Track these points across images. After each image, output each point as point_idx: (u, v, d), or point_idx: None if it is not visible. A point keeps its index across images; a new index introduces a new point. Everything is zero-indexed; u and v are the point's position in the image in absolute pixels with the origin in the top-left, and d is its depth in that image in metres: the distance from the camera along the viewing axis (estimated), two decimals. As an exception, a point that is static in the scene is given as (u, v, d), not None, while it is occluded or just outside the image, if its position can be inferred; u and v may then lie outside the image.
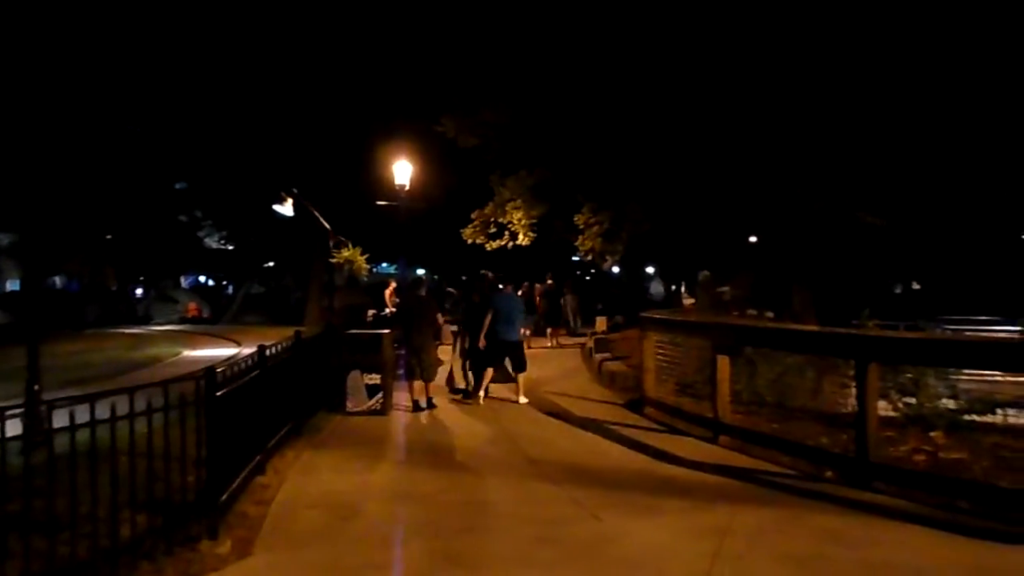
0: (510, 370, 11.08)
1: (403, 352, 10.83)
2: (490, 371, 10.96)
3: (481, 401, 10.75)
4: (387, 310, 16.15)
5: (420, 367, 10.22)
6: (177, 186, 35.97)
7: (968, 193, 15.57)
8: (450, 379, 11.79)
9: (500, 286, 11.37)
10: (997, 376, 7.30)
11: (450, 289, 23.73)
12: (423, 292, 11.32)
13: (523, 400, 10.70)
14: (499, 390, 11.25)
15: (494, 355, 10.94)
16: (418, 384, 10.26)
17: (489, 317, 10.70)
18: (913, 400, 7.60)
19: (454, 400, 11.06)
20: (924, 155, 13.51)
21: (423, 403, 10.20)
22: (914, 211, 15.78)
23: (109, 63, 20.92)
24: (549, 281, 21.06)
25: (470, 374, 11.22)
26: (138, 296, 46.59)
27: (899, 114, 12.98)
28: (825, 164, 13.80)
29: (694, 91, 14.15)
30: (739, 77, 13.54)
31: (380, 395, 9.87)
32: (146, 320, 39.70)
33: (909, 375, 7.62)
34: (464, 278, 25.75)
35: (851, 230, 15.78)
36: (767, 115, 13.67)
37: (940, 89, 12.59)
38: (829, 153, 13.63)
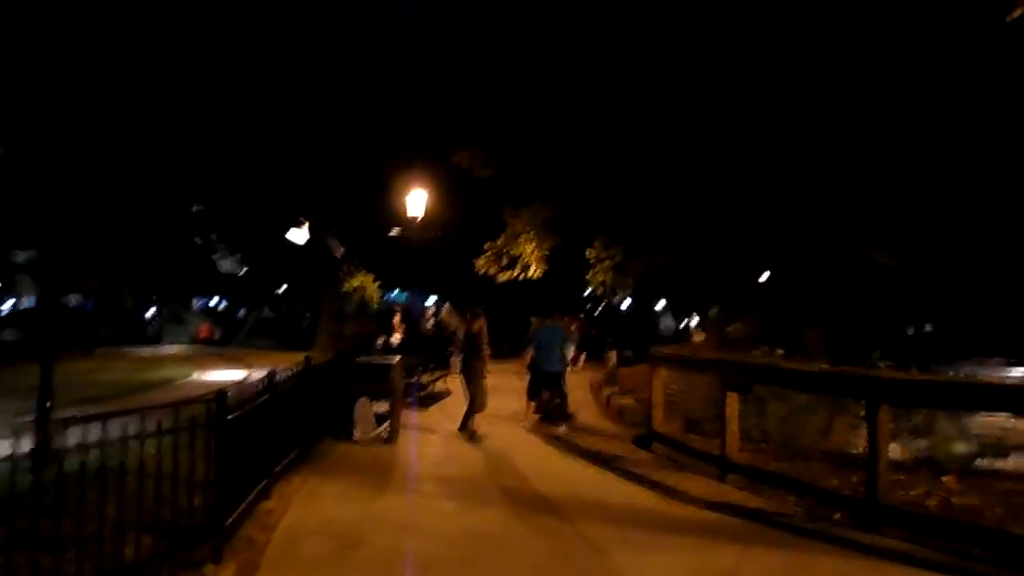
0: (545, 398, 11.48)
1: (412, 381, 10.82)
2: (532, 402, 11.46)
3: (526, 425, 11.17)
4: (395, 336, 16.08)
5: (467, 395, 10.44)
6: (194, 208, 36.36)
7: (982, 235, 15.52)
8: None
9: (549, 319, 11.83)
10: (1010, 420, 7.26)
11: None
12: (474, 324, 10.64)
13: (560, 430, 10.90)
14: (506, 421, 11.26)
15: (538, 384, 11.48)
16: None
17: (531, 350, 11.39)
18: (925, 443, 7.55)
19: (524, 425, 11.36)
20: (939, 195, 13.52)
21: (464, 430, 10.13)
22: (928, 252, 15.75)
23: (132, 84, 21.28)
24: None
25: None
26: (149, 316, 46.87)
27: (914, 156, 13.03)
28: (839, 203, 13.84)
29: (709, 131, 14.26)
30: (754, 118, 13.65)
31: (388, 423, 9.86)
32: (157, 340, 39.94)
33: (921, 417, 7.59)
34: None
35: (864, 270, 15.77)
36: (781, 155, 13.75)
37: (955, 130, 12.63)
38: (843, 192, 13.68)
